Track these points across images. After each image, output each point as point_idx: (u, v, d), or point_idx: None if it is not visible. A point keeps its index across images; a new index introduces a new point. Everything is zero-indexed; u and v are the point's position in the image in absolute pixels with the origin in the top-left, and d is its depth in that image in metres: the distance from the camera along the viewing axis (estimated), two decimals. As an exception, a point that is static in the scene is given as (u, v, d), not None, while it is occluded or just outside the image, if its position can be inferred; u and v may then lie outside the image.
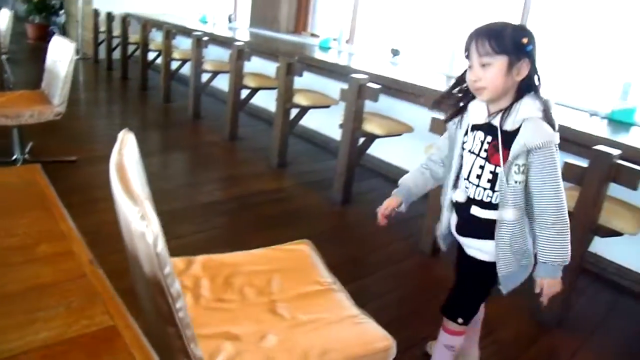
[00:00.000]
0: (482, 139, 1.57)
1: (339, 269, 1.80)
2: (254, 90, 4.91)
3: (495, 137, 1.53)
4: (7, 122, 3.28)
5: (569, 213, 2.37)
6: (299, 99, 4.15)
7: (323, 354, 1.36)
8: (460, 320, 1.80)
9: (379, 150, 4.25)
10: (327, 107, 4.31)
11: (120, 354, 0.78)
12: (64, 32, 10.01)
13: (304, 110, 4.28)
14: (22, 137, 3.73)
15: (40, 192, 1.32)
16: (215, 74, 5.52)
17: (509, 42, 1.46)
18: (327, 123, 4.93)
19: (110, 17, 7.66)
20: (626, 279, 3.07)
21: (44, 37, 9.30)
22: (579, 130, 2.75)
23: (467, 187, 1.64)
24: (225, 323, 1.48)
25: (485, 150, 1.56)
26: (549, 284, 1.59)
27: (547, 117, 1.49)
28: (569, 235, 1.56)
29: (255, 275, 1.74)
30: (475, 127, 1.60)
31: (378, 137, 3.54)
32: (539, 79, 1.52)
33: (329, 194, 3.76)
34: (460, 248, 1.80)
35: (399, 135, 3.63)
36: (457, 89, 1.66)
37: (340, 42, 5.38)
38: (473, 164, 1.60)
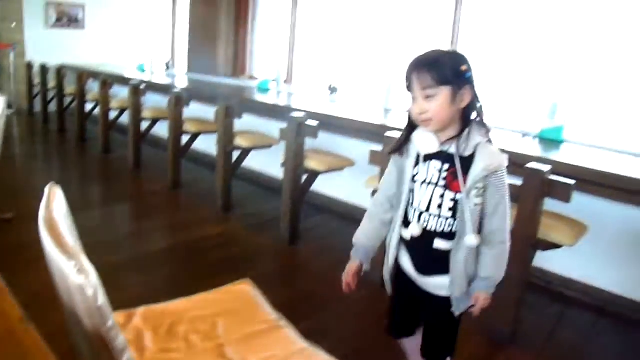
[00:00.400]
0: (439, 167, 1.55)
1: (291, 307, 1.78)
2: (195, 136, 4.88)
3: (452, 165, 1.53)
4: None
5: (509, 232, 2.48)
6: (240, 141, 4.14)
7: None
8: (448, 359, 1.77)
9: (323, 186, 4.28)
10: (269, 147, 4.32)
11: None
12: (-4, 88, 9.76)
13: (245, 152, 4.28)
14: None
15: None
16: (154, 121, 5.46)
17: (450, 71, 1.47)
18: (270, 163, 4.94)
19: (44, 69, 7.52)
20: (571, 289, 3.18)
21: (-25, 95, 9.03)
22: (512, 151, 2.85)
23: (426, 220, 1.58)
24: (173, 373, 1.44)
25: (444, 179, 1.54)
26: (485, 298, 1.60)
27: (490, 141, 1.54)
28: (507, 255, 1.61)
29: (199, 321, 1.70)
30: (428, 157, 1.56)
31: (320, 173, 3.57)
32: (480, 104, 1.55)
33: (276, 233, 3.74)
34: (409, 287, 1.72)
35: (341, 169, 3.67)
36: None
37: (279, 83, 5.44)
38: (432, 195, 1.56)
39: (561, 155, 2.86)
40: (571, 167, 2.56)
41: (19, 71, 8.55)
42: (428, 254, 1.61)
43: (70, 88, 7.02)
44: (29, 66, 8.01)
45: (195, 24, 6.67)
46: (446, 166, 1.53)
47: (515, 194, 2.40)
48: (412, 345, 1.85)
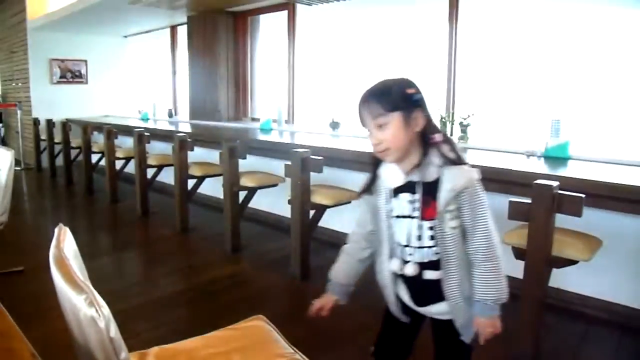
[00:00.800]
0: (409, 199, 1.51)
1: (307, 343, 1.74)
2: (200, 179, 4.90)
3: (421, 194, 1.50)
4: (-57, 240, 3.15)
5: (523, 251, 2.44)
6: (245, 181, 4.15)
7: None
8: None
9: (331, 221, 4.25)
10: (275, 185, 4.33)
11: None
12: (4, 144, 9.89)
13: (251, 191, 4.28)
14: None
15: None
16: (160, 168, 5.50)
17: (397, 97, 1.46)
18: (276, 203, 4.93)
19: (50, 124, 7.65)
20: (592, 307, 3.10)
21: (-17, 155, 9.15)
22: (519, 171, 2.84)
23: (410, 254, 1.54)
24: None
25: (417, 209, 1.51)
26: (485, 324, 1.52)
27: (457, 156, 1.48)
28: (502, 272, 1.50)
29: (214, 359, 1.67)
30: (397, 190, 1.53)
31: (327, 207, 3.55)
32: (433, 124, 1.52)
33: (287, 271, 3.70)
34: (409, 314, 1.69)
35: (348, 202, 3.65)
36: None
37: (281, 123, 5.48)
38: (410, 228, 1.53)
39: (569, 171, 2.85)
40: (580, 181, 2.54)
41: (26, 128, 8.70)
42: (422, 285, 1.57)
43: (75, 141, 7.12)
44: (36, 122, 8.15)
45: (196, 70, 6.77)
46: (416, 196, 1.50)
47: (525, 212, 2.39)
48: None
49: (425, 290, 1.57)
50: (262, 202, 4.98)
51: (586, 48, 3.68)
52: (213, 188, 5.42)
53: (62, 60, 8.74)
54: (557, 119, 3.38)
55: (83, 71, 8.97)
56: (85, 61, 8.96)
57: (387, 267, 1.61)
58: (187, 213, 4.86)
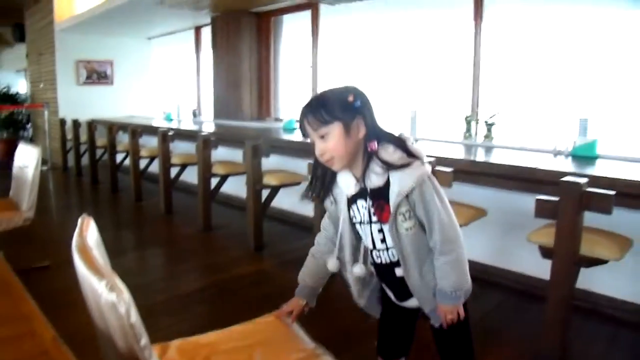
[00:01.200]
0: (364, 205, 1.53)
1: (330, 341, 1.73)
2: (224, 178, 4.92)
3: (373, 199, 1.51)
4: (-27, 233, 3.21)
5: (551, 250, 2.40)
6: (269, 180, 4.16)
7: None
8: None
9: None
10: (298, 184, 4.32)
11: None
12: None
13: (274, 190, 4.28)
14: (-9, 246, 3.64)
15: (1, 278, 1.26)
16: (183, 166, 5.54)
17: (337, 107, 1.46)
18: (299, 203, 4.91)
19: (76, 124, 7.77)
20: (621, 310, 3.03)
21: (13, 152, 9.29)
22: (545, 169, 2.79)
23: (378, 256, 1.59)
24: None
25: (374, 214, 1.53)
26: (446, 311, 1.55)
27: (408, 152, 1.49)
28: (463, 263, 1.53)
29: (235, 352, 1.66)
30: (353, 198, 1.56)
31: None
32: (378, 127, 1.53)
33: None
34: (397, 309, 1.72)
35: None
36: (316, 172, 1.61)
37: (304, 121, 5.47)
38: (371, 233, 1.56)
39: (597, 170, 2.79)
40: (609, 179, 2.48)
41: (52, 128, 8.83)
42: (397, 283, 1.60)
43: (101, 140, 7.21)
44: (62, 122, 8.27)
45: (219, 70, 6.81)
46: (370, 202, 1.52)
47: (553, 210, 2.35)
48: None
49: (401, 286, 1.60)
50: (285, 201, 4.98)
51: (614, 46, 3.61)
52: (236, 187, 5.44)
53: (89, 62, 8.86)
54: (585, 117, 3.33)
55: (109, 72, 9.08)
56: (111, 62, 9.08)
57: (351, 271, 1.63)
58: (210, 211, 4.88)
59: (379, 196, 1.49)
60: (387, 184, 1.47)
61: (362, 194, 1.53)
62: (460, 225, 2.84)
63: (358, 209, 1.56)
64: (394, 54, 5.10)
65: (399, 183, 1.45)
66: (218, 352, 1.66)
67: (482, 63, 4.33)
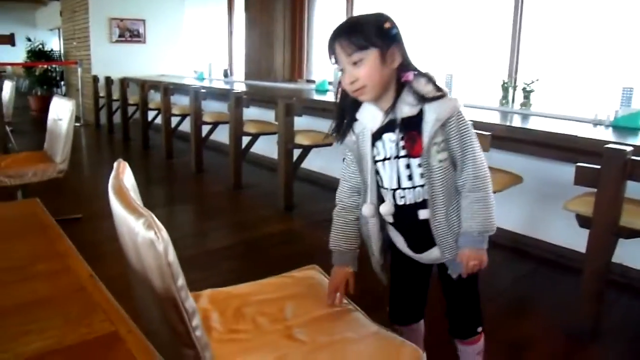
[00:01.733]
0: (393, 138, 1.44)
1: (359, 298, 1.70)
2: (255, 137, 4.90)
3: (404, 130, 1.43)
4: (10, 181, 3.25)
5: (589, 219, 2.33)
6: (301, 139, 4.13)
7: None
8: (479, 329, 1.68)
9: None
10: (329, 145, 4.28)
11: (124, 358, 0.70)
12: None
13: (306, 150, 4.26)
14: (26, 198, 3.70)
15: (38, 220, 1.27)
16: (215, 125, 5.54)
17: (374, 32, 1.38)
18: (330, 164, 4.91)
19: (109, 81, 7.82)
20: (656, 286, 2.96)
21: (47, 109, 9.45)
22: (586, 137, 2.70)
23: (402, 197, 1.48)
24: (242, 353, 1.39)
25: (403, 148, 1.44)
26: (469, 256, 1.46)
27: (438, 88, 1.43)
28: (492, 204, 1.45)
29: (267, 304, 1.65)
30: (380, 132, 1.46)
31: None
32: (409, 60, 1.47)
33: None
34: (411, 267, 1.65)
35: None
36: (342, 105, 1.52)
37: (337, 84, 5.40)
38: (398, 169, 1.46)
39: (642, 141, 2.69)
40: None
41: (85, 85, 8.91)
42: (418, 228, 1.51)
43: (133, 98, 7.25)
44: (95, 80, 8.32)
45: (252, 31, 6.75)
46: (400, 135, 1.43)
47: (594, 178, 2.28)
48: (415, 336, 1.72)
49: (423, 233, 1.50)
50: (315, 163, 4.96)
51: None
52: (267, 148, 5.43)
53: (121, 20, 8.86)
54: (630, 86, 3.20)
55: (141, 30, 9.07)
56: (144, 21, 9.05)
57: (376, 215, 1.55)
58: (241, 170, 4.89)
59: (411, 127, 1.41)
60: (420, 114, 1.41)
61: (389, 126, 1.45)
62: (496, 191, 2.79)
63: (384, 144, 1.46)
64: (431, 16, 4.97)
65: (437, 110, 1.38)
66: (249, 303, 1.65)
67: (523, 27, 4.19)
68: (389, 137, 1.45)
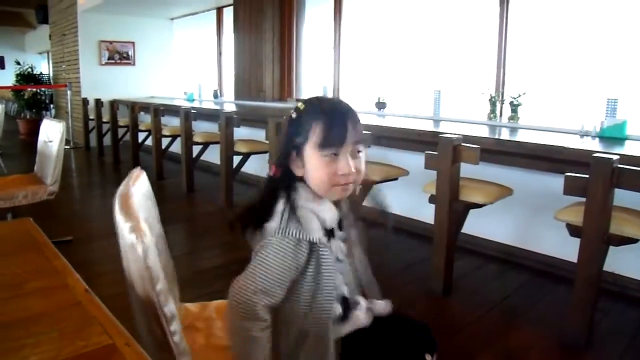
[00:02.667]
0: (342, 236, 1.34)
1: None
2: (246, 156, 4.92)
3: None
4: (0, 204, 3.23)
5: (579, 228, 2.35)
6: (292, 157, 4.14)
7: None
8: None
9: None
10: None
11: (120, 369, 0.71)
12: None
13: (297, 167, 4.27)
14: (16, 222, 3.68)
15: (31, 238, 1.27)
16: (205, 145, 5.54)
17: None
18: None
19: (99, 103, 7.83)
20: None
21: (36, 132, 9.42)
22: (573, 148, 2.74)
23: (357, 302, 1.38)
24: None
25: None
26: None
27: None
28: None
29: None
30: (331, 232, 1.29)
31: (375, 182, 3.50)
32: None
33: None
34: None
35: (396, 179, 3.60)
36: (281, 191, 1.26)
37: (326, 102, 5.44)
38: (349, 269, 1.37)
39: (628, 150, 2.73)
40: (641, 158, 2.42)
41: (75, 108, 8.92)
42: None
43: (123, 120, 7.26)
44: (85, 102, 8.33)
45: (241, 51, 6.79)
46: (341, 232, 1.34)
47: (582, 187, 2.31)
48: None
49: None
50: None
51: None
52: (257, 167, 5.43)
53: (111, 42, 8.89)
54: (614, 97, 3.26)
55: (130, 53, 9.11)
56: (133, 43, 9.10)
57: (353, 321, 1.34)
58: (232, 189, 4.89)
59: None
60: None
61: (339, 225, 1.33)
62: (487, 204, 2.82)
63: (337, 244, 1.31)
64: (418, 33, 5.04)
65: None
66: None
67: (509, 41, 4.25)
68: (339, 235, 1.33)
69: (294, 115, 1.27)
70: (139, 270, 0.97)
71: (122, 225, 0.99)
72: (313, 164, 1.23)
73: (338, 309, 1.31)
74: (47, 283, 1.00)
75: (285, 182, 1.26)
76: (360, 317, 1.36)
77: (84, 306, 0.90)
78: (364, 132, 1.31)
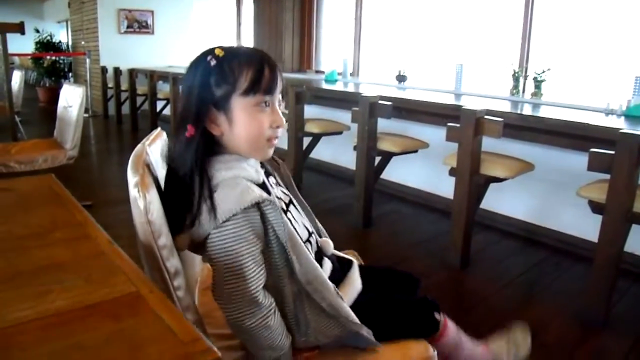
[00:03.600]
0: (274, 181, 1.28)
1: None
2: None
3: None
4: (21, 167, 3.26)
5: (602, 205, 2.31)
6: (311, 127, 4.12)
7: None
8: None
9: (394, 173, 4.18)
10: (339, 133, 4.28)
11: (146, 315, 0.70)
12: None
13: (316, 138, 4.25)
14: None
15: (54, 193, 1.27)
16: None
17: None
18: (339, 153, 4.90)
19: (117, 72, 7.83)
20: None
21: (55, 100, 9.47)
22: (599, 125, 2.68)
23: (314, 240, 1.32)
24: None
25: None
26: None
27: None
28: None
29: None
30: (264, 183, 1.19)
31: (394, 154, 3.47)
32: None
33: (349, 219, 3.67)
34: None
35: (415, 151, 3.56)
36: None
37: (346, 74, 5.40)
38: (298, 211, 1.31)
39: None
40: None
41: (93, 77, 8.92)
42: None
43: (141, 89, 7.26)
44: (103, 70, 8.33)
45: (261, 20, 6.73)
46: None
47: (608, 163, 2.26)
48: None
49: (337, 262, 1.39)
50: (325, 153, 4.95)
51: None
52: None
53: (130, 11, 8.85)
54: (643, 74, 3.18)
55: (149, 21, 9.06)
56: (152, 12, 9.04)
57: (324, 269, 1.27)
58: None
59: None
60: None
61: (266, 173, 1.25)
62: (508, 178, 2.79)
63: (276, 193, 1.22)
64: (440, 5, 4.94)
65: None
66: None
67: (534, 16, 4.15)
68: (272, 181, 1.25)
69: (212, 63, 1.10)
70: (141, 224, 0.98)
71: (130, 180, 0.99)
72: (243, 117, 1.09)
73: (313, 248, 1.27)
74: (71, 234, 1.00)
75: (200, 149, 1.09)
76: (355, 278, 1.33)
77: (108, 256, 0.90)
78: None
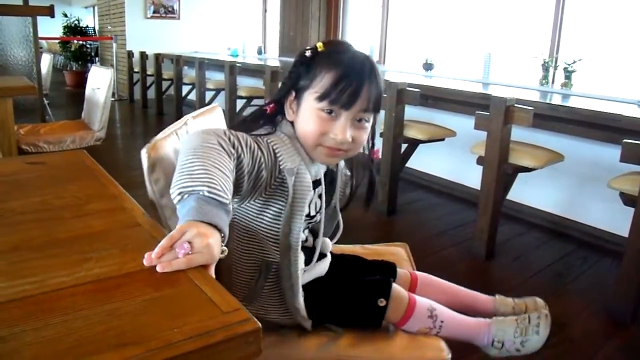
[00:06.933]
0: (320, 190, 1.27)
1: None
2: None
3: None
4: (49, 147, 3.30)
5: (634, 198, 2.27)
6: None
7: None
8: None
9: (419, 162, 4.14)
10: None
11: (185, 285, 0.70)
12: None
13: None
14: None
15: (87, 167, 1.28)
16: (249, 99, 5.54)
17: (381, 95, 1.14)
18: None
19: (143, 56, 7.87)
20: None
21: (82, 84, 9.57)
22: (632, 116, 2.63)
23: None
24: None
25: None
26: None
27: None
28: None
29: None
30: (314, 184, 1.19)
31: (421, 142, 3.44)
32: None
33: (373, 206, 3.65)
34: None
35: (442, 140, 3.53)
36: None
37: (372, 61, 5.36)
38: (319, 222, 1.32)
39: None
40: None
41: (119, 61, 8.99)
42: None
43: (167, 73, 7.30)
44: (129, 55, 8.38)
45: (287, 7, 6.71)
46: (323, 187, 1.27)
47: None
48: None
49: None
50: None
51: None
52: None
53: (157, -5, 8.89)
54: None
55: (176, 7, 9.08)
56: (179, -3, 9.08)
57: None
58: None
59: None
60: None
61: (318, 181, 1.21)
62: (537, 168, 2.74)
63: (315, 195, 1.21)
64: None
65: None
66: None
67: (566, 4, 4.07)
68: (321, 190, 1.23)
69: (308, 54, 1.12)
70: (147, 182, 1.08)
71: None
72: (306, 114, 1.10)
73: (307, 238, 1.29)
74: (107, 206, 1.01)
75: (272, 120, 1.16)
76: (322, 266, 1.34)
77: (143, 227, 0.91)
78: (380, 100, 1.15)
